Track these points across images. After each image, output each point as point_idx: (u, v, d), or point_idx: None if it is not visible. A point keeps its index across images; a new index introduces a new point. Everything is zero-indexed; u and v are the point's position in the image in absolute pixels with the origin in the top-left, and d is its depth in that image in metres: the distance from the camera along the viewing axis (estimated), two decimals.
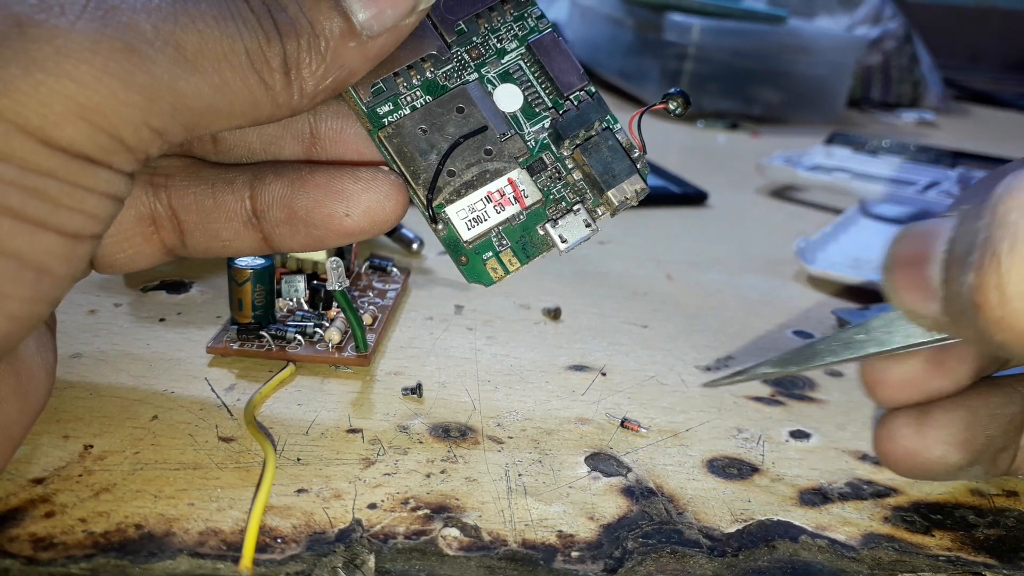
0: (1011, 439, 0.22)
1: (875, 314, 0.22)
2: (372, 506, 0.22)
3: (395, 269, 0.35)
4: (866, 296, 0.39)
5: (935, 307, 0.18)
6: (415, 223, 0.38)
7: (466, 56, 0.23)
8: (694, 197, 0.53)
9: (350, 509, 0.21)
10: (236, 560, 0.19)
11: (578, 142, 0.23)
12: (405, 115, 0.22)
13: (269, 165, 0.22)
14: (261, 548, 0.20)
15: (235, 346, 0.28)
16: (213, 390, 0.26)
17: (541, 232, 0.23)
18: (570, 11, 0.99)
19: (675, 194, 0.53)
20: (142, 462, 0.22)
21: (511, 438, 0.25)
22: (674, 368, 0.31)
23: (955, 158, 0.62)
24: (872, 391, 0.23)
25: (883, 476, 0.25)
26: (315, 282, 0.31)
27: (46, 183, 0.16)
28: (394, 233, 0.39)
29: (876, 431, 0.23)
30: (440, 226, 0.23)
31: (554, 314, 0.34)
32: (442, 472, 0.23)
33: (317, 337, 0.29)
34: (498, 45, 0.23)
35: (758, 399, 0.29)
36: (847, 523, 0.23)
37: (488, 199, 0.23)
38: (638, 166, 0.23)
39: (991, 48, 1.48)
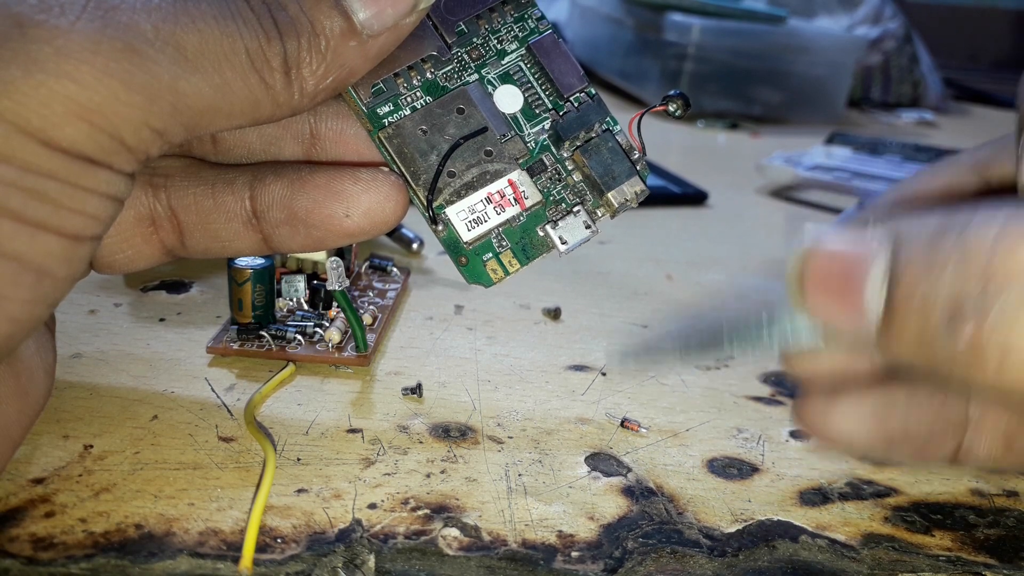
0: (943, 433, 0.21)
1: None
2: (372, 506, 0.22)
3: (395, 269, 0.35)
4: None
5: (863, 327, 0.17)
6: (415, 223, 0.38)
7: (466, 57, 0.23)
8: (694, 197, 0.53)
9: (350, 509, 0.21)
10: (236, 560, 0.19)
11: (578, 143, 0.23)
12: (405, 116, 0.22)
13: (269, 166, 0.22)
14: (261, 548, 0.20)
15: (235, 346, 0.28)
16: (213, 390, 0.26)
17: (541, 233, 0.23)
18: (570, 11, 0.99)
19: (675, 194, 0.53)
20: (142, 462, 0.22)
21: (511, 438, 0.25)
22: (674, 368, 0.31)
23: None
24: (787, 363, 0.22)
25: (883, 476, 0.25)
26: (315, 282, 0.31)
27: (46, 184, 0.16)
28: (394, 233, 0.39)
29: (793, 404, 0.23)
30: (440, 227, 0.23)
31: (554, 314, 0.34)
32: (442, 472, 0.23)
33: (317, 337, 0.29)
34: (498, 46, 0.23)
35: (758, 399, 0.29)
36: (847, 523, 0.23)
37: (488, 200, 0.23)
38: (638, 168, 0.23)
39: (991, 48, 1.48)
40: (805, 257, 0.18)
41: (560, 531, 0.21)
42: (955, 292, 0.15)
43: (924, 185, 0.23)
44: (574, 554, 0.21)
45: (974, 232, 0.15)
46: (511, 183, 0.23)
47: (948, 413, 0.21)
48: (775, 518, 0.23)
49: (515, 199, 0.23)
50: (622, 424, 0.27)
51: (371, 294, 0.33)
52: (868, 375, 0.21)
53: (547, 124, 0.23)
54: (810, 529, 0.23)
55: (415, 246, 0.39)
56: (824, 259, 0.17)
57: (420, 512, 0.22)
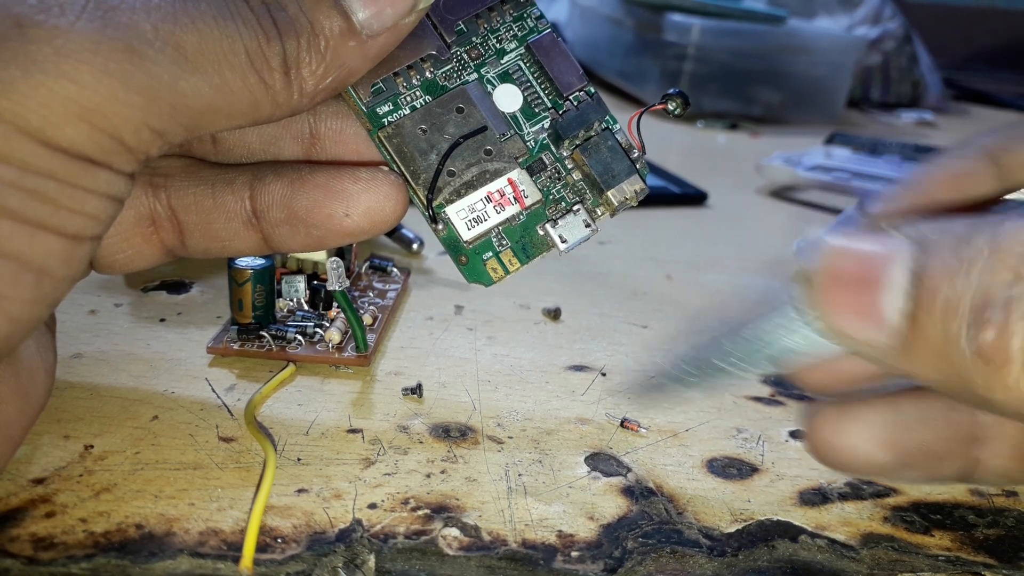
0: (953, 448, 0.21)
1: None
2: (372, 506, 0.22)
3: (395, 269, 0.35)
4: None
5: (882, 339, 0.16)
6: (415, 223, 0.38)
7: (466, 56, 0.23)
8: (694, 197, 0.53)
9: (350, 509, 0.21)
10: (236, 560, 0.19)
11: (578, 142, 0.23)
12: (405, 115, 0.22)
13: (269, 165, 0.22)
14: (261, 548, 0.20)
15: (235, 346, 0.28)
16: (213, 390, 0.26)
17: (541, 232, 0.23)
18: (570, 11, 0.99)
19: (675, 194, 0.53)
20: (142, 462, 0.22)
21: (511, 438, 0.25)
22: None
23: None
24: (798, 376, 0.21)
25: None
26: (315, 282, 0.31)
27: (46, 184, 0.16)
28: (394, 233, 0.39)
29: (803, 419, 0.21)
30: (440, 226, 0.23)
31: (554, 314, 0.34)
32: (442, 472, 0.23)
33: (317, 337, 0.29)
34: (498, 45, 0.23)
35: (758, 399, 0.29)
36: (847, 523, 0.23)
37: (488, 199, 0.23)
38: (637, 166, 0.23)
39: (991, 48, 1.48)
40: (818, 256, 0.16)
41: (560, 531, 0.21)
42: (981, 292, 0.14)
43: (934, 176, 0.22)
44: (574, 554, 0.21)
45: (1007, 232, 0.14)
46: (511, 182, 0.23)
47: (959, 428, 0.20)
48: (775, 518, 0.23)
49: (515, 198, 0.23)
50: (622, 424, 0.27)
51: (371, 294, 0.33)
52: (877, 388, 0.20)
53: (546, 123, 0.23)
54: (810, 529, 0.23)
55: (415, 246, 0.39)
56: (839, 259, 0.16)
57: (420, 512, 0.22)
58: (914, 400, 0.20)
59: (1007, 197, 0.20)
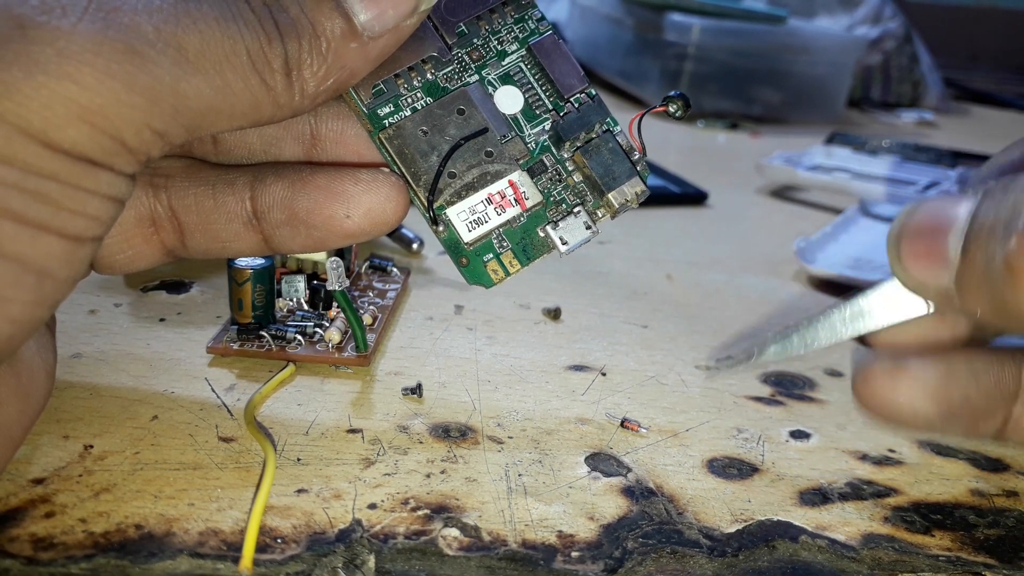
0: (995, 404, 0.22)
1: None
2: (372, 506, 0.22)
3: (395, 269, 0.35)
4: None
5: (946, 278, 0.18)
6: (415, 223, 0.38)
7: (467, 58, 0.23)
8: (694, 197, 0.53)
9: (350, 509, 0.21)
10: (236, 560, 0.19)
11: (578, 144, 0.23)
12: (406, 116, 0.22)
13: (270, 166, 0.22)
14: (261, 548, 0.20)
15: (235, 346, 0.28)
16: (213, 390, 0.26)
17: (542, 234, 0.23)
18: (570, 11, 0.99)
19: (675, 194, 0.53)
20: (142, 462, 0.22)
21: (511, 438, 0.25)
22: (674, 368, 0.31)
23: (955, 158, 0.62)
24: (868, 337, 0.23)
25: (883, 476, 0.25)
26: (315, 282, 0.31)
27: (47, 186, 0.16)
28: (394, 233, 0.39)
29: (855, 371, 0.22)
30: (441, 228, 0.23)
31: (554, 314, 0.34)
32: (442, 472, 0.23)
33: (317, 337, 0.29)
34: (499, 47, 0.23)
35: (758, 399, 0.29)
36: (847, 523, 0.23)
37: (489, 201, 0.23)
38: (638, 168, 0.23)
39: (991, 48, 1.48)
40: (904, 216, 0.19)
41: (560, 531, 0.21)
42: (1010, 208, 0.16)
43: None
44: (574, 554, 0.21)
45: None
46: (512, 184, 0.23)
47: (1004, 384, 0.21)
48: (775, 518, 0.23)
49: (516, 200, 0.23)
50: (622, 424, 0.27)
51: (371, 294, 0.33)
52: (943, 341, 0.22)
53: (547, 125, 0.23)
54: (810, 529, 0.23)
55: (415, 246, 0.39)
56: (919, 216, 0.18)
57: (420, 512, 0.22)
58: (963, 356, 0.21)
59: None
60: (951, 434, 0.24)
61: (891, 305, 0.20)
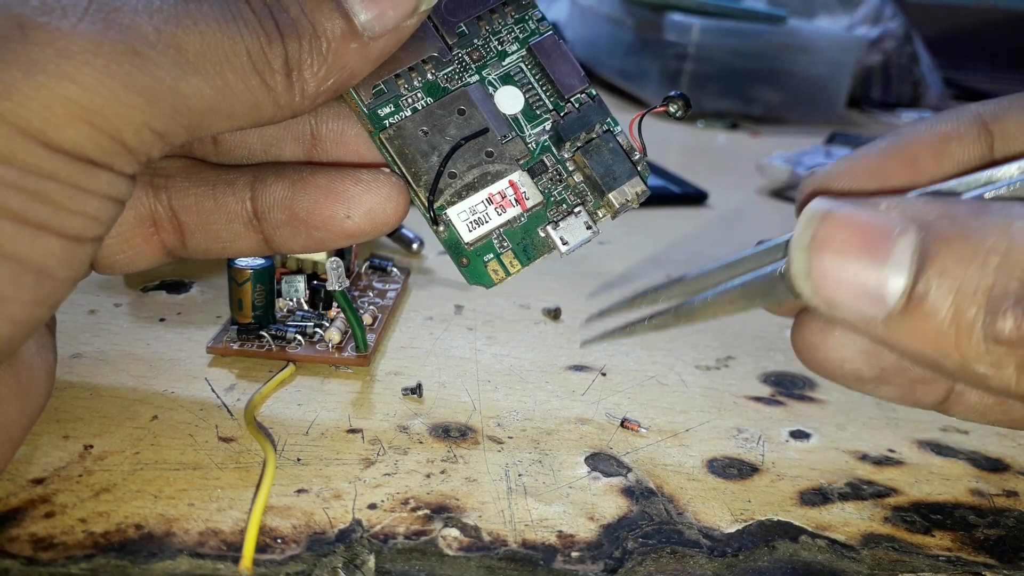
0: (934, 375, 0.21)
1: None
2: (372, 506, 0.22)
3: (395, 269, 0.35)
4: None
5: (877, 312, 0.16)
6: (415, 223, 0.38)
7: (467, 58, 0.23)
8: (694, 197, 0.53)
9: (350, 509, 0.21)
10: (236, 560, 0.19)
11: (579, 144, 0.23)
12: (406, 117, 0.22)
13: (270, 166, 0.22)
14: (261, 548, 0.20)
15: (235, 346, 0.28)
16: (213, 390, 0.26)
17: (542, 234, 0.23)
18: (570, 11, 0.99)
19: (675, 194, 0.53)
20: (142, 462, 0.22)
21: (511, 438, 0.25)
22: (674, 368, 0.31)
23: None
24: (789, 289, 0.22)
25: (883, 476, 0.25)
26: (315, 282, 0.31)
27: (47, 186, 0.16)
28: (394, 233, 0.39)
29: (794, 321, 0.22)
30: (441, 228, 0.23)
31: (554, 314, 0.34)
32: (442, 472, 0.23)
33: (317, 337, 0.29)
34: (499, 47, 0.23)
35: (758, 399, 0.29)
36: (847, 523, 0.23)
37: (489, 201, 0.23)
38: (639, 168, 0.23)
39: (991, 48, 1.48)
40: (814, 224, 0.16)
41: (560, 531, 0.21)
42: (1000, 286, 0.15)
43: (921, 136, 0.22)
44: (574, 554, 0.21)
45: (1018, 232, 0.15)
46: (512, 184, 0.23)
47: None
48: (775, 518, 0.23)
49: (516, 200, 0.23)
50: (622, 424, 0.27)
51: (371, 294, 0.33)
52: None
53: (548, 125, 0.23)
54: (810, 529, 0.23)
55: (415, 246, 0.39)
56: (837, 228, 0.16)
57: (420, 512, 0.22)
58: None
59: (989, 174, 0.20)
60: (885, 398, 0.22)
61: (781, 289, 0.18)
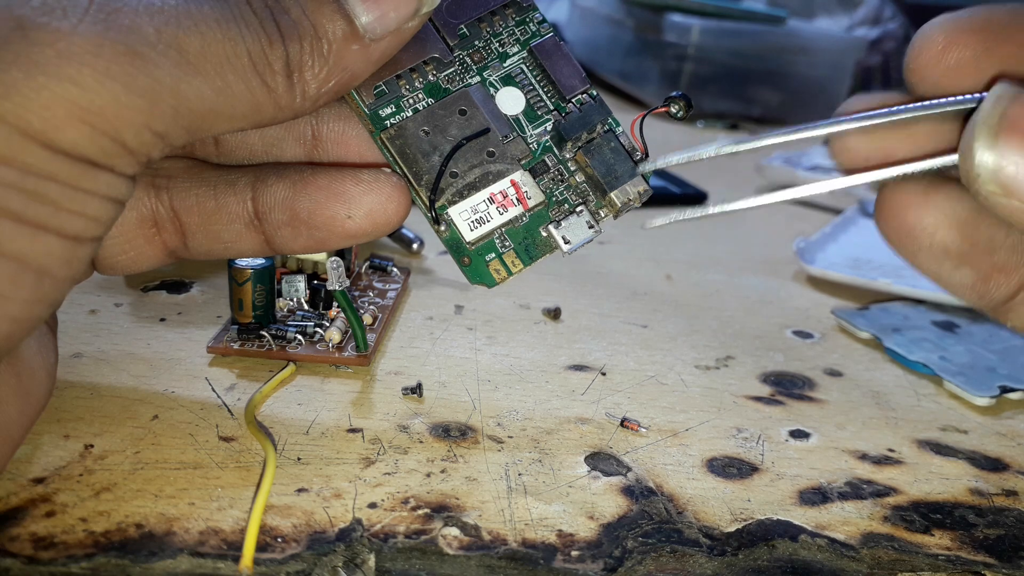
0: (1018, 262, 0.20)
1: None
2: (372, 505, 0.22)
3: (395, 269, 0.35)
4: (865, 296, 0.39)
5: None
6: (416, 223, 0.38)
7: (468, 59, 0.23)
8: (694, 197, 0.53)
9: (350, 508, 0.21)
10: (236, 559, 0.19)
11: (580, 144, 0.23)
12: (408, 117, 0.22)
13: (271, 167, 0.22)
14: (261, 547, 0.20)
15: (235, 346, 0.28)
16: (213, 390, 0.26)
17: (544, 233, 0.23)
18: (570, 12, 0.99)
19: (675, 194, 0.53)
20: (143, 462, 0.22)
21: (511, 438, 0.25)
22: (674, 368, 0.31)
23: None
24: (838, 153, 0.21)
25: (882, 475, 0.25)
26: (315, 282, 0.31)
27: (47, 186, 0.16)
28: (394, 233, 0.39)
29: (880, 187, 0.21)
30: (443, 227, 0.23)
31: (554, 314, 0.34)
32: (442, 472, 0.23)
33: (317, 337, 0.29)
34: (500, 49, 0.23)
35: (758, 399, 0.29)
36: (847, 522, 0.23)
37: (491, 200, 0.23)
38: (639, 169, 0.23)
39: None
40: (1009, 101, 0.17)
41: (560, 530, 0.22)
42: None
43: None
44: (574, 553, 0.21)
45: None
46: (514, 183, 0.23)
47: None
48: (774, 517, 0.23)
49: (518, 199, 0.23)
50: (622, 424, 0.27)
51: (371, 294, 0.33)
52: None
53: (549, 125, 0.23)
54: (810, 528, 0.23)
55: (415, 246, 0.39)
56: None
57: (420, 511, 0.22)
58: None
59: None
60: (957, 285, 0.21)
61: None
